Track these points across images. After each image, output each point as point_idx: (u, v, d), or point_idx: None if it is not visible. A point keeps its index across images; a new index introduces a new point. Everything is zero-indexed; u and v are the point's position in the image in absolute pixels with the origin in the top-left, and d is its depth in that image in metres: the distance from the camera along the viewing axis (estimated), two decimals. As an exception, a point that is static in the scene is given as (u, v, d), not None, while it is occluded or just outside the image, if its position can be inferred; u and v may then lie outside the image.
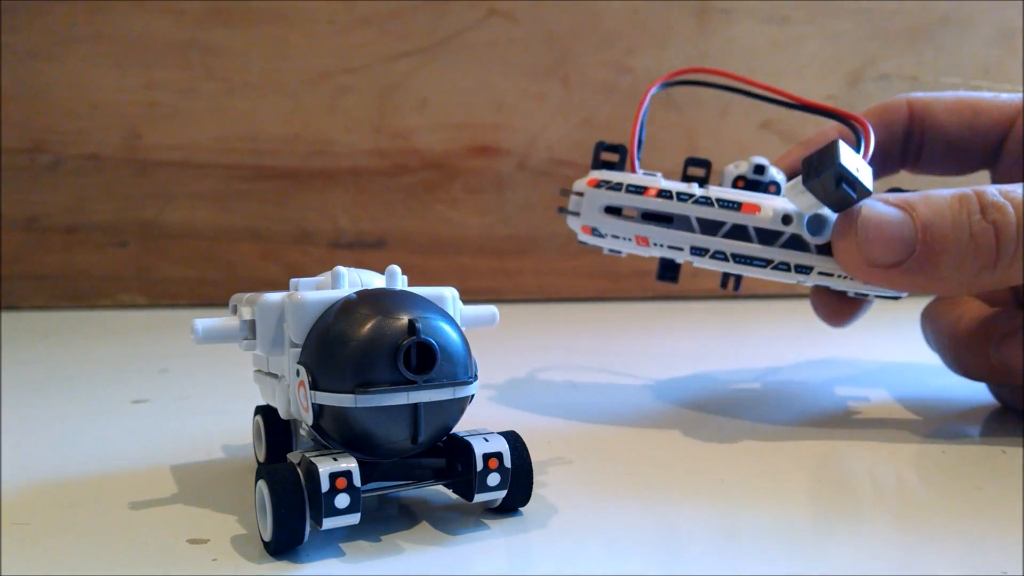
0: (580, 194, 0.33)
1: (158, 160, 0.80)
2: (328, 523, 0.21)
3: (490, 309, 0.27)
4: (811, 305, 0.38)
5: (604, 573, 0.21)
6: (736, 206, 0.31)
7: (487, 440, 0.23)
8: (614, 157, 0.34)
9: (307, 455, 0.21)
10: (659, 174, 0.34)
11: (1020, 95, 0.35)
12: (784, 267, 0.31)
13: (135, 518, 0.24)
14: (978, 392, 0.38)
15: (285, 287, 0.26)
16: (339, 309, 0.23)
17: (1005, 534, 0.23)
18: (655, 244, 0.32)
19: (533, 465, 0.24)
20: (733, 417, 0.36)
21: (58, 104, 0.79)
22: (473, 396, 0.23)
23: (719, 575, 0.20)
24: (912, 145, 0.37)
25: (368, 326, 0.22)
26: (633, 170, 0.34)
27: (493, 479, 0.23)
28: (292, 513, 0.21)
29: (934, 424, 0.34)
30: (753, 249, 0.31)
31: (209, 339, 0.24)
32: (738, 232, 0.31)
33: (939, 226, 0.29)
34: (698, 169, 0.34)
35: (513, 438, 0.24)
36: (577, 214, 0.33)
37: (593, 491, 0.26)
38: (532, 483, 0.24)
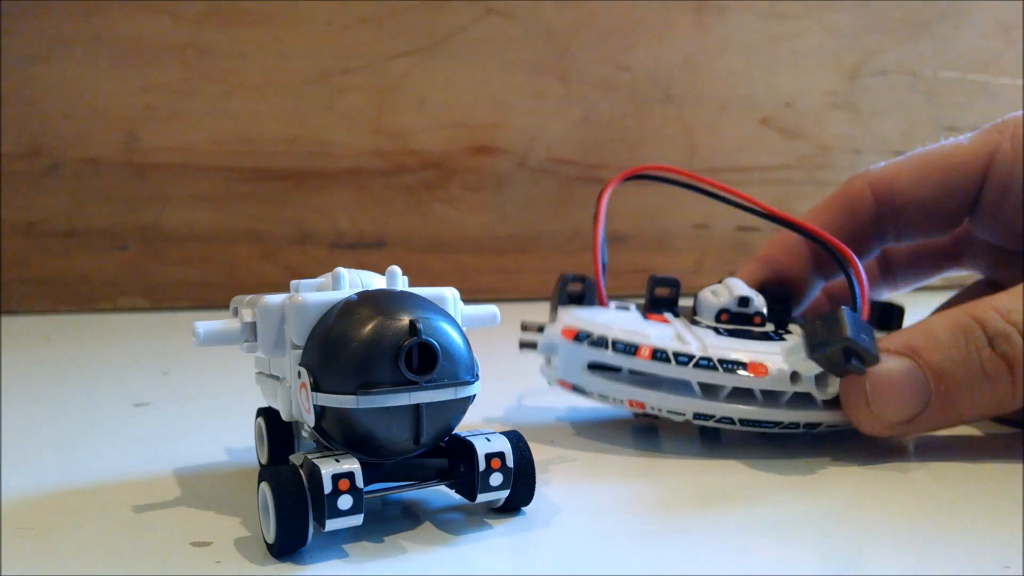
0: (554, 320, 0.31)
1: (156, 163, 0.80)
2: (331, 524, 0.21)
3: (491, 309, 0.27)
4: None
5: (607, 573, 0.21)
6: (742, 367, 0.29)
7: (489, 440, 0.23)
8: (579, 287, 0.33)
9: (309, 457, 0.21)
10: (632, 305, 0.33)
11: (982, 131, 0.33)
12: (794, 427, 0.29)
13: (138, 521, 0.24)
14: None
15: (286, 289, 0.26)
16: (340, 310, 0.23)
17: (1007, 532, 0.23)
18: (652, 408, 0.30)
19: (535, 464, 0.24)
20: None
21: (55, 108, 0.79)
22: (475, 396, 0.23)
23: (722, 575, 0.20)
24: (887, 227, 0.34)
25: (369, 327, 0.22)
26: (603, 302, 0.32)
27: (496, 479, 0.23)
28: (295, 515, 0.21)
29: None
30: (761, 412, 0.29)
31: (210, 342, 0.24)
32: (742, 392, 0.29)
33: (950, 370, 0.27)
34: (665, 289, 0.33)
35: (515, 438, 0.24)
36: (541, 346, 0.32)
37: (596, 490, 0.26)
38: (535, 483, 0.24)
